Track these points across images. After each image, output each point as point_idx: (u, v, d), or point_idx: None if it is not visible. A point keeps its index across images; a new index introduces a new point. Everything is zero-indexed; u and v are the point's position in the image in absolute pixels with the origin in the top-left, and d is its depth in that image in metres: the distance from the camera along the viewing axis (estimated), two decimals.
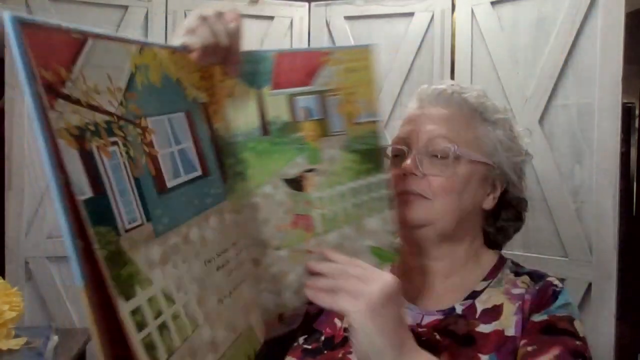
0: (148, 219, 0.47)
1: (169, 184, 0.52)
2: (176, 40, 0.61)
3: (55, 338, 1.25)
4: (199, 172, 0.58)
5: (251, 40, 1.71)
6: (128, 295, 0.42)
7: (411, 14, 1.64)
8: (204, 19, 0.63)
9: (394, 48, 1.66)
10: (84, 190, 0.40)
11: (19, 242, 1.55)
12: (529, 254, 1.40)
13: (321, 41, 1.71)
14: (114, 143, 0.45)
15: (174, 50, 0.58)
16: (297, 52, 0.73)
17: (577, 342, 0.76)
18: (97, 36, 0.44)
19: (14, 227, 1.55)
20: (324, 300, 0.66)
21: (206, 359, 0.53)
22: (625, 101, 1.31)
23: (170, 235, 0.50)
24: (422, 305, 0.83)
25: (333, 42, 1.71)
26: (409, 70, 1.64)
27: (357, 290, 0.64)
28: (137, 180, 0.47)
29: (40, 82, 0.38)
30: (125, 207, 0.44)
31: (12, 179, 1.54)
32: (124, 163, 0.45)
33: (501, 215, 0.91)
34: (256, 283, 0.71)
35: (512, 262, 0.89)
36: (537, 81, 1.41)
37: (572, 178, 1.35)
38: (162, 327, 0.46)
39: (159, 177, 0.50)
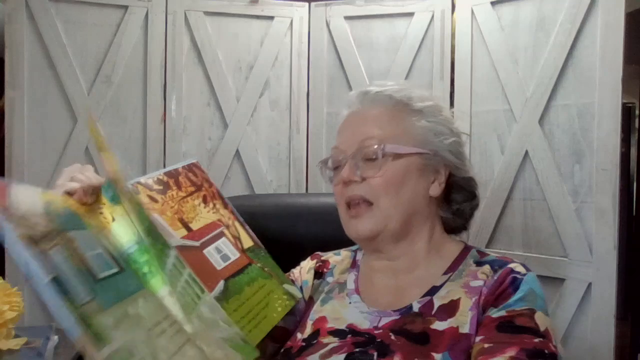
0: (94, 297, 0.63)
1: (99, 275, 0.67)
2: (58, 190, 0.76)
3: (55, 338, 1.25)
4: (116, 269, 0.71)
5: (251, 40, 1.71)
6: (99, 346, 0.59)
7: (411, 14, 1.64)
8: (74, 171, 0.77)
9: (394, 48, 1.66)
10: (46, 273, 0.60)
11: None
12: (529, 254, 1.40)
13: (321, 41, 1.71)
14: (56, 244, 0.64)
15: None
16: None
17: (537, 340, 0.73)
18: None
19: None
20: None
21: None
22: (625, 101, 1.31)
23: (115, 309, 0.64)
24: (383, 305, 0.84)
25: (333, 42, 1.71)
26: (409, 70, 1.65)
27: None
28: (78, 269, 0.64)
29: None
30: (75, 288, 0.62)
31: (12, 179, 1.54)
32: (66, 258, 0.63)
33: (454, 198, 0.91)
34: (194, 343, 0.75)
35: (478, 250, 0.88)
36: (537, 81, 1.41)
37: (572, 178, 1.35)
38: None
39: (90, 270, 0.66)
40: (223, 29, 1.70)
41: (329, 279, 0.95)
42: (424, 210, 0.86)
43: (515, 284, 0.77)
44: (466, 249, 0.88)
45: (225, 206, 0.94)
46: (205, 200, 0.90)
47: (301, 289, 0.97)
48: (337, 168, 0.88)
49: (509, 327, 0.73)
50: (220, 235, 0.87)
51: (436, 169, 0.87)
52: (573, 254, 1.34)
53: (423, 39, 1.63)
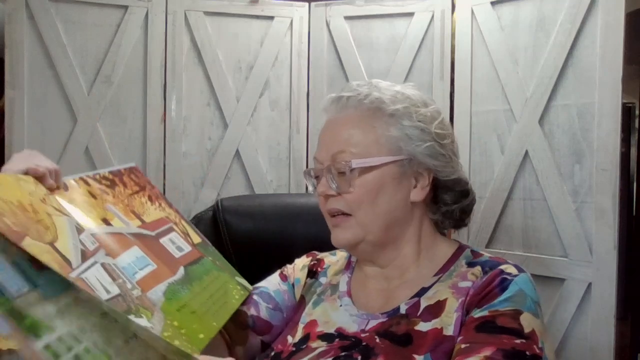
0: (34, 287, 0.60)
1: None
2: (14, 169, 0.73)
3: None
4: None
5: (251, 40, 1.71)
6: (36, 336, 0.58)
7: (411, 14, 1.64)
8: (26, 156, 0.77)
9: (394, 48, 1.66)
10: None
11: None
12: (529, 254, 1.40)
13: (321, 41, 1.71)
14: None
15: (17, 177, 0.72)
16: None
17: (518, 341, 0.69)
18: None
19: None
20: None
21: None
22: (625, 101, 1.31)
23: (62, 297, 0.62)
24: (372, 309, 0.83)
25: (333, 42, 1.71)
26: (409, 70, 1.65)
27: None
28: (15, 260, 0.60)
29: None
30: (8, 281, 0.59)
31: None
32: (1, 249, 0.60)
33: (442, 199, 0.88)
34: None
35: (472, 250, 0.86)
36: (537, 81, 1.41)
37: (572, 178, 1.35)
38: (77, 357, 0.59)
39: (34, 259, 0.62)
40: (223, 29, 1.70)
41: (322, 280, 0.95)
42: (407, 216, 0.84)
43: (503, 284, 0.75)
44: (460, 250, 0.87)
45: (170, 206, 0.96)
46: (150, 199, 0.92)
47: (293, 286, 0.97)
48: (317, 177, 0.87)
49: (489, 327, 0.71)
50: (171, 230, 0.89)
51: (417, 173, 0.84)
52: (573, 254, 1.34)
53: (423, 39, 1.63)
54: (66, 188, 0.80)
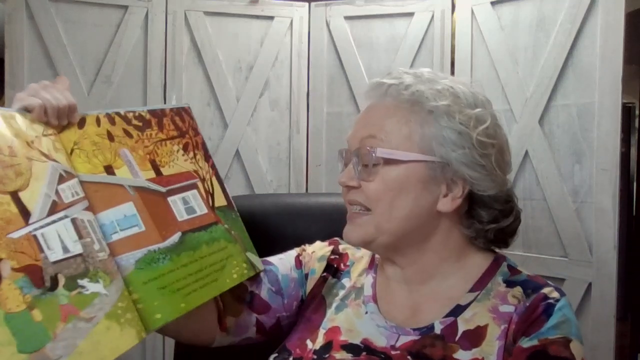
0: None
1: None
2: (16, 104, 0.70)
3: None
4: None
5: (251, 40, 1.71)
6: None
7: (411, 14, 1.64)
8: (38, 87, 0.72)
9: (394, 48, 1.66)
10: None
11: None
12: (529, 254, 1.40)
13: (321, 41, 1.71)
14: None
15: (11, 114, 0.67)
16: None
17: None
18: None
19: None
20: None
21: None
22: (625, 101, 1.31)
23: None
24: (401, 320, 0.77)
25: (333, 42, 1.71)
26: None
27: None
28: None
29: None
30: None
31: None
32: None
33: (477, 215, 0.77)
34: None
35: (509, 266, 0.79)
36: (537, 81, 1.41)
37: (572, 178, 1.35)
38: None
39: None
40: (223, 29, 1.70)
41: (345, 281, 0.87)
42: (430, 226, 0.76)
43: (548, 311, 0.70)
44: (496, 262, 0.78)
45: (207, 159, 0.88)
46: (185, 148, 0.85)
47: (306, 277, 0.90)
48: (346, 164, 0.80)
49: (542, 356, 0.67)
50: (192, 187, 0.83)
51: (450, 181, 0.74)
52: (573, 254, 1.34)
53: (423, 39, 1.63)
54: (82, 125, 0.75)
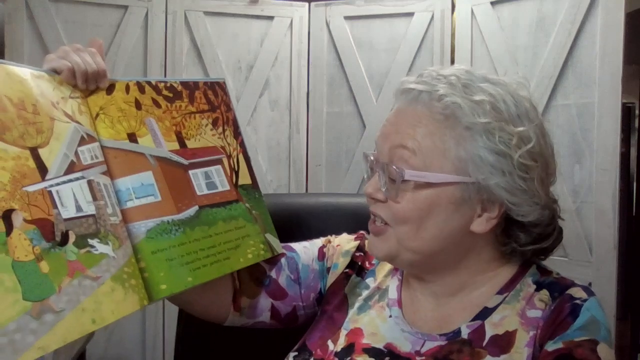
0: None
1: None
2: (46, 65, 0.70)
3: None
4: None
5: (251, 40, 1.71)
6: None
7: (411, 14, 1.64)
8: (69, 50, 0.72)
9: (394, 48, 1.66)
10: None
11: None
12: None
13: (321, 41, 1.71)
14: None
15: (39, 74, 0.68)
16: None
17: None
18: None
19: None
20: None
21: None
22: (625, 101, 1.31)
23: None
24: (426, 327, 0.74)
25: (333, 42, 1.71)
26: (409, 70, 1.65)
27: None
28: None
29: None
30: None
31: None
32: None
33: (514, 236, 0.73)
34: None
35: (539, 267, 0.75)
36: (537, 81, 1.41)
37: (572, 178, 1.35)
38: None
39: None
40: (223, 29, 1.70)
41: (369, 281, 0.84)
42: (463, 246, 0.71)
43: (575, 312, 0.66)
44: (526, 263, 0.75)
45: (236, 136, 0.86)
46: (215, 123, 0.83)
47: (328, 270, 0.87)
48: (372, 169, 0.75)
49: None
50: (217, 162, 0.81)
51: (486, 201, 0.68)
52: (573, 254, 1.34)
53: (423, 39, 1.63)
54: (110, 91, 0.76)
